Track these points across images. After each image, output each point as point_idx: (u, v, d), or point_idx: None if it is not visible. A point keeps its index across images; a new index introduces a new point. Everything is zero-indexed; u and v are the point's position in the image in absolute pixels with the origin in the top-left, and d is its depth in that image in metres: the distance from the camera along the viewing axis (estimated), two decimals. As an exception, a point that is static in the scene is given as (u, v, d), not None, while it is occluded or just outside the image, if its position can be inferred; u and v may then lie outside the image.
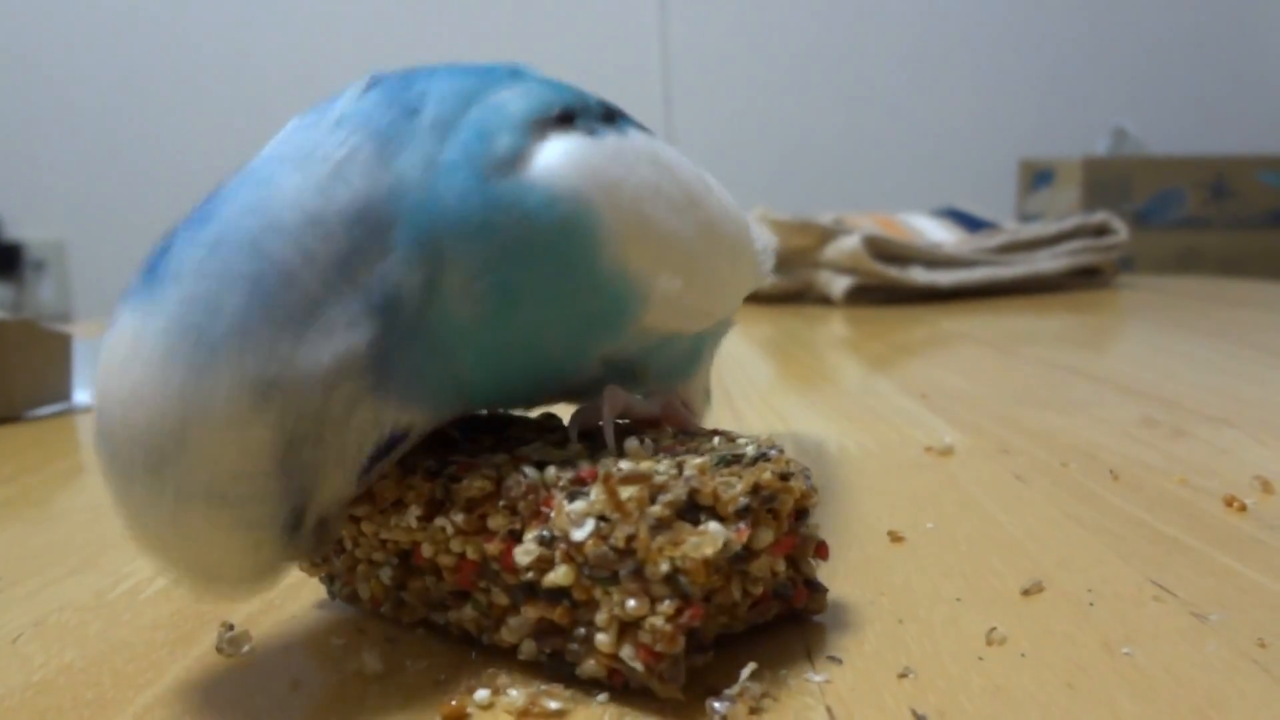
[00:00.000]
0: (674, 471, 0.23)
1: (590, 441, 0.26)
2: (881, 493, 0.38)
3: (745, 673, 0.22)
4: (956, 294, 1.02)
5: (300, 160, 0.22)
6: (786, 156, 2.02)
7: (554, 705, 0.22)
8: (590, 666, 0.22)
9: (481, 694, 0.22)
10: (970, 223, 1.16)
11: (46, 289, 2.09)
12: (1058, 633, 0.25)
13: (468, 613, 0.25)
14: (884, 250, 1.00)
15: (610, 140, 0.26)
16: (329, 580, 0.27)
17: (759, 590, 0.24)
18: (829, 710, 0.22)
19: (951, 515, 0.35)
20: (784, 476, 0.24)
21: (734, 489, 0.23)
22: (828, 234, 1.01)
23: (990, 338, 0.83)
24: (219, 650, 0.25)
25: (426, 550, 0.25)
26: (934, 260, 1.03)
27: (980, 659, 0.24)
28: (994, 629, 0.25)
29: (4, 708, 0.23)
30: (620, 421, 0.27)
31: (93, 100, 2.04)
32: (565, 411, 0.28)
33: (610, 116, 0.27)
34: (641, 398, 0.28)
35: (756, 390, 0.62)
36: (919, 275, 1.00)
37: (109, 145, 2.05)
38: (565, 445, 0.26)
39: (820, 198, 1.68)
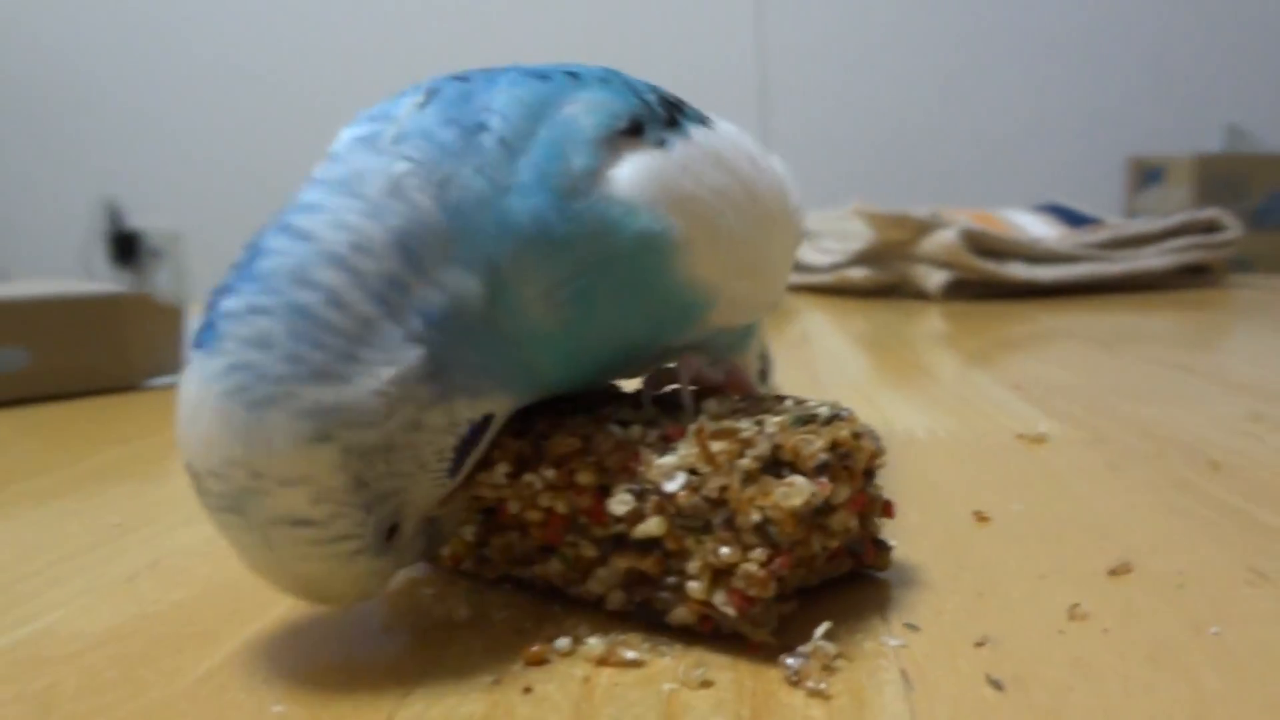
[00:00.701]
0: (756, 428, 0.24)
1: (662, 404, 0.27)
2: (969, 476, 0.38)
3: (820, 631, 0.22)
4: (1057, 290, 1.00)
5: (351, 183, 0.22)
6: (884, 151, 2.00)
7: (631, 655, 0.22)
8: (681, 613, 0.23)
9: (562, 642, 0.23)
10: (1072, 218, 1.13)
11: (163, 276, 2.18)
12: (1144, 611, 0.25)
13: (554, 566, 0.25)
14: (982, 245, 0.98)
15: (678, 150, 0.26)
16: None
17: (834, 544, 0.25)
18: (904, 673, 0.22)
19: (1040, 499, 0.34)
20: (856, 435, 0.25)
21: (814, 445, 0.24)
22: (924, 227, 1.00)
23: (1094, 334, 0.81)
24: (317, 595, 0.26)
25: (513, 506, 0.26)
26: (1034, 255, 1.01)
27: (1061, 632, 0.24)
28: (1077, 605, 0.25)
29: (120, 634, 0.24)
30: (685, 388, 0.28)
31: (209, 99, 2.13)
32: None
33: (671, 118, 0.27)
34: (709, 364, 0.28)
35: (849, 380, 0.61)
36: (1019, 270, 0.98)
37: (224, 141, 2.13)
38: (639, 408, 0.27)
39: (918, 193, 1.66)
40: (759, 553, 0.22)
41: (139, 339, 0.57)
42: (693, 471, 0.23)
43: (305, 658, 0.23)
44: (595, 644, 0.23)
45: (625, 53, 2.01)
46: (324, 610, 0.26)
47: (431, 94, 0.24)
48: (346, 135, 0.24)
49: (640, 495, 0.24)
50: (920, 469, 0.38)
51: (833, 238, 1.14)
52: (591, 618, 0.24)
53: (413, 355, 0.21)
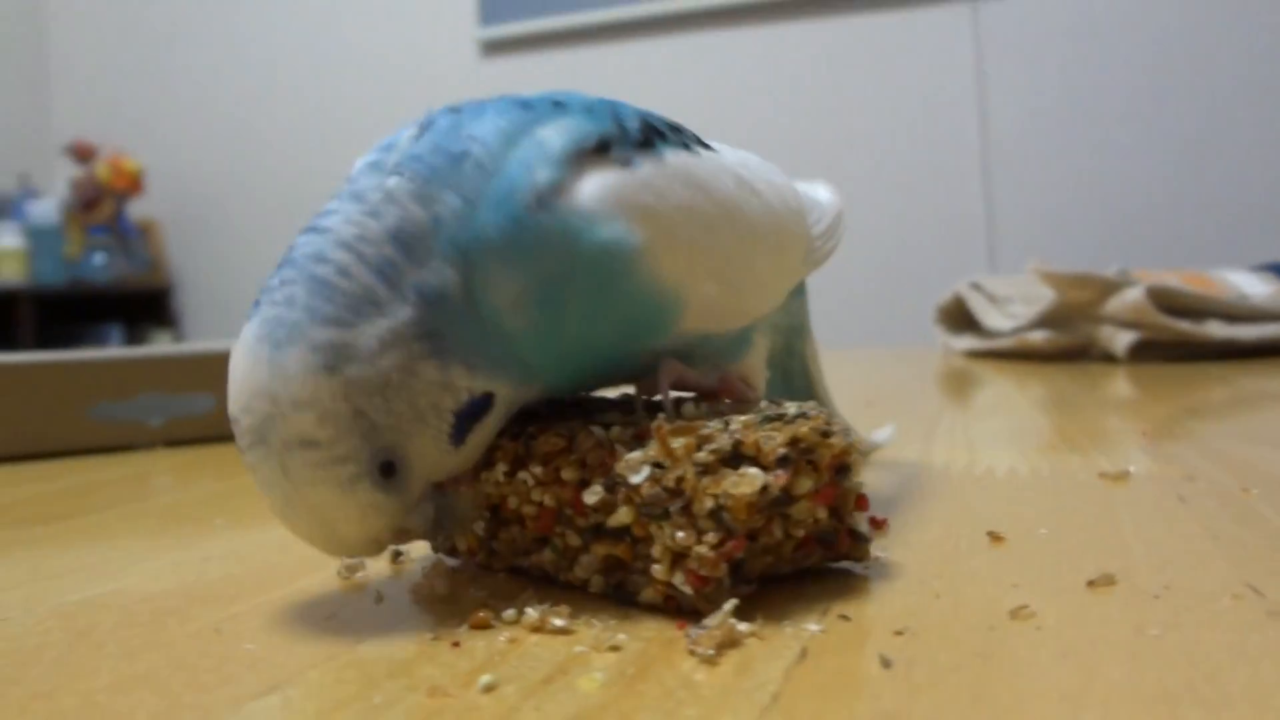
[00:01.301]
0: (720, 426, 0.26)
1: (654, 409, 0.29)
2: (1014, 506, 0.37)
3: (727, 607, 0.24)
4: (1261, 351, 0.92)
5: (357, 195, 0.27)
6: (1112, 218, 1.91)
7: (559, 623, 0.25)
8: (648, 594, 0.26)
9: (508, 612, 0.25)
10: (1290, 275, 1.05)
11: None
12: (1094, 616, 0.24)
13: (547, 555, 0.28)
14: (1174, 303, 0.93)
15: (644, 169, 0.28)
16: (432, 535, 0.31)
17: (801, 533, 0.26)
18: (804, 651, 0.23)
19: (1072, 526, 0.34)
20: (825, 434, 0.26)
21: (774, 441, 0.25)
22: (1110, 287, 0.95)
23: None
24: (339, 574, 0.30)
25: (512, 502, 0.28)
26: (1236, 314, 0.94)
27: (991, 629, 0.24)
28: (1025, 607, 0.25)
29: (168, 594, 0.29)
30: (686, 395, 0.30)
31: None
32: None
33: (648, 141, 0.29)
34: (698, 372, 0.30)
35: (951, 416, 0.60)
36: (1216, 330, 0.92)
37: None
38: (632, 414, 0.29)
39: (1145, 260, 1.57)
40: (711, 536, 0.24)
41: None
42: (657, 465, 0.25)
43: (297, 615, 0.27)
44: (532, 613, 0.25)
45: (844, 128, 2.05)
46: (338, 587, 0.29)
47: (425, 127, 0.28)
48: (360, 162, 0.29)
49: (611, 488, 0.26)
50: (970, 501, 0.38)
51: (1021, 302, 1.10)
52: (547, 595, 0.27)
53: (405, 313, 0.25)
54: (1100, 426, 0.57)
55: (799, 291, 0.40)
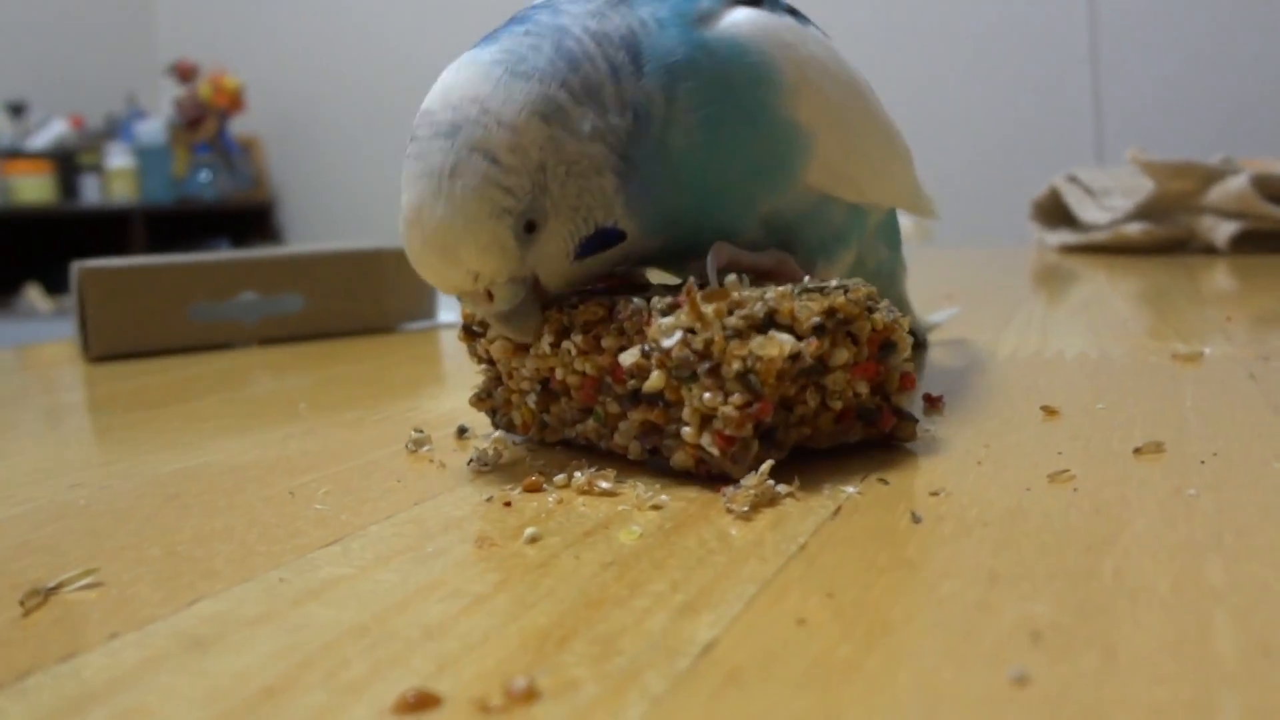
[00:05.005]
0: (757, 295, 0.26)
1: None
2: (1077, 384, 0.37)
3: (764, 468, 0.24)
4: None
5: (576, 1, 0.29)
6: (1232, 107, 1.81)
7: (605, 485, 0.26)
8: (680, 457, 0.26)
9: (559, 476, 0.27)
10: None
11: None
12: (1134, 479, 0.25)
13: (590, 424, 0.29)
14: (1279, 191, 0.88)
15: (788, 19, 0.32)
16: (492, 413, 0.33)
17: (838, 405, 0.27)
18: (837, 509, 0.23)
19: (1132, 400, 0.33)
20: (869, 309, 0.26)
21: (809, 309, 0.26)
22: (1212, 175, 0.91)
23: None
24: (406, 448, 0.32)
25: (559, 373, 0.29)
26: (1349, 201, 0.89)
27: (1027, 489, 0.24)
28: (1065, 470, 0.25)
29: (252, 464, 0.31)
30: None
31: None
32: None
33: (794, 12, 0.33)
34: (755, 254, 0.30)
35: (1036, 312, 0.59)
36: (1326, 218, 0.87)
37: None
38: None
39: (1268, 149, 1.49)
40: (736, 397, 0.25)
41: (397, 289, 0.66)
42: (690, 330, 0.26)
43: (365, 482, 0.28)
44: (580, 477, 0.26)
45: (951, 8, 1.98)
46: (407, 457, 0.31)
47: None
48: None
49: (648, 354, 0.27)
50: (1031, 380, 0.38)
51: (1121, 195, 1.06)
52: (599, 462, 0.28)
53: (620, 123, 0.28)
54: (1188, 316, 0.56)
55: (895, 242, 0.41)
